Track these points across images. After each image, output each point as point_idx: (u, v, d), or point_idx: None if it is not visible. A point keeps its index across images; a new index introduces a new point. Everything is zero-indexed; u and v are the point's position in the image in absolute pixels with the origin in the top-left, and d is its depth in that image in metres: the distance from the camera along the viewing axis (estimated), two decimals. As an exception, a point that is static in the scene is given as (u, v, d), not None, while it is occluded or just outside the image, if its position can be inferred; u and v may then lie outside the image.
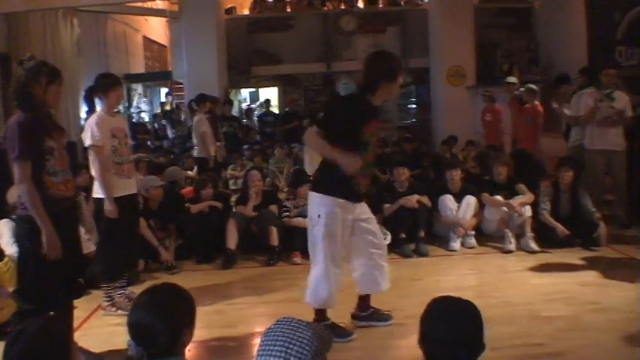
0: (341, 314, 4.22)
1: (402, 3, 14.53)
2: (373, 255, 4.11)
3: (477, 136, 11.10)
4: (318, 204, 3.88)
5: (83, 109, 9.40)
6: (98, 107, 4.71)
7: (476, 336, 1.97)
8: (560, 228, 6.14)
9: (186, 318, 2.14)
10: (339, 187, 3.84)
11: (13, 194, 4.62)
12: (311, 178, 4.15)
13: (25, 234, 3.48)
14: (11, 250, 4.74)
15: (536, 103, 8.66)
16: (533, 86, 8.86)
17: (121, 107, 12.51)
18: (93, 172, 4.57)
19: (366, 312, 4.29)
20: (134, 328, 2.09)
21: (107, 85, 4.65)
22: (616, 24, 8.91)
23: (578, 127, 7.24)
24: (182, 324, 2.11)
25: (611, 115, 6.71)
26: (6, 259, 4.83)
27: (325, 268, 3.87)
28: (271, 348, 1.94)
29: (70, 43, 10.31)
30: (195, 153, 9.15)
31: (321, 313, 4.05)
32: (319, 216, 3.84)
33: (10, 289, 4.43)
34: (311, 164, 8.24)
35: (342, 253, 4.02)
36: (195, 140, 9.00)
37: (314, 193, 3.94)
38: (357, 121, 3.83)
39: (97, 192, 4.59)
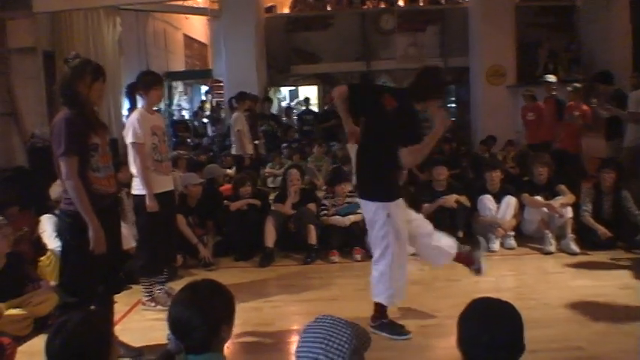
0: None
1: (443, 1, 14.40)
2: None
3: (517, 136, 10.95)
4: (379, 208, 3.98)
5: (124, 107, 9.58)
6: (139, 104, 4.79)
7: (516, 339, 1.95)
8: (602, 230, 6.02)
9: (224, 314, 2.16)
10: (396, 190, 4.06)
11: (56, 190, 4.74)
12: (363, 188, 4.18)
13: (67, 228, 3.56)
14: (54, 244, 4.86)
15: (582, 103, 8.48)
16: (578, 85, 8.68)
17: (162, 105, 12.73)
18: (133, 169, 4.64)
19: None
20: (174, 322, 2.11)
21: (149, 83, 4.72)
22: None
23: (636, 126, 7.06)
24: (220, 320, 2.13)
25: None
26: (48, 254, 4.96)
27: (392, 265, 3.97)
28: (310, 345, 1.95)
29: (111, 42, 10.49)
30: (233, 151, 9.23)
31: (382, 310, 4.12)
32: (388, 215, 3.93)
33: (52, 283, 4.54)
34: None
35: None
36: (232, 138, 9.08)
37: (374, 202, 4.02)
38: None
39: (137, 188, 4.66)
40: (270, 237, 6.22)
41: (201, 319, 2.06)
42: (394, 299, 4.07)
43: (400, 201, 4.05)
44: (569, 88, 8.78)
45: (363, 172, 4.18)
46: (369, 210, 4.06)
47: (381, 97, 4.01)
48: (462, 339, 1.99)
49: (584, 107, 8.39)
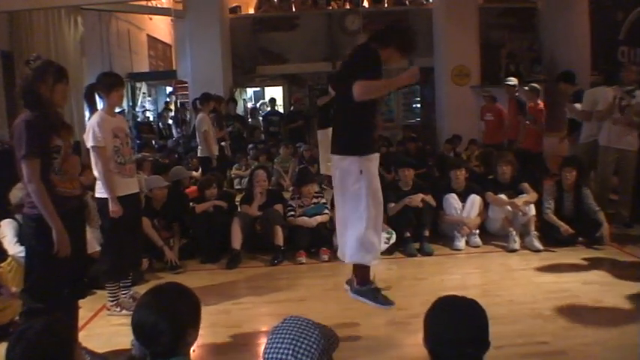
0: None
1: (407, 3, 14.51)
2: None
3: (481, 135, 11.09)
4: (352, 162, 3.82)
5: (87, 108, 9.44)
6: (99, 106, 4.70)
7: (481, 335, 1.97)
8: (564, 227, 6.13)
9: (190, 317, 2.14)
10: (370, 144, 3.90)
11: (16, 194, 4.64)
12: (335, 143, 3.99)
13: (32, 233, 3.49)
14: (14, 250, 4.75)
15: (539, 102, 8.66)
16: (536, 85, 8.86)
17: (125, 106, 12.59)
18: (96, 173, 4.56)
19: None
20: (138, 327, 2.08)
21: (109, 85, 4.61)
22: (619, 24, 8.90)
23: (592, 123, 7.20)
24: (186, 323, 2.10)
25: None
26: (9, 260, 4.84)
27: (369, 222, 3.83)
28: (279, 346, 1.94)
29: (73, 42, 10.32)
30: (198, 152, 9.16)
31: (365, 273, 4.01)
32: (361, 172, 3.79)
33: (14, 289, 4.45)
34: (324, 164, 8.27)
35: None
36: (198, 140, 9.00)
37: (347, 157, 3.85)
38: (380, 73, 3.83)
39: (100, 192, 4.59)
40: (236, 239, 6.19)
41: (167, 324, 2.03)
42: (375, 259, 3.96)
43: (374, 156, 3.91)
44: (525, 88, 8.94)
45: (336, 129, 4.04)
46: (342, 166, 3.89)
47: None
48: (428, 337, 2.01)
49: (540, 106, 8.56)
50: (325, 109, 8.46)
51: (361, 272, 4.01)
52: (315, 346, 1.93)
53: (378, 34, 3.96)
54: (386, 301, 3.99)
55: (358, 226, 3.84)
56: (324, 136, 8.25)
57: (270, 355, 1.95)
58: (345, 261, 4.02)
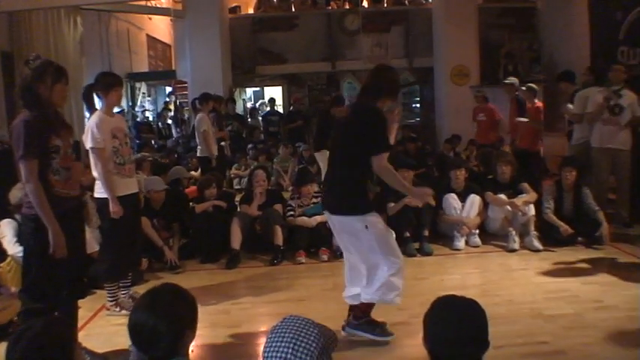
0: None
1: (407, 2, 14.51)
2: None
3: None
4: (354, 221, 3.80)
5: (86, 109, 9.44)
6: (98, 106, 4.69)
7: (480, 335, 1.97)
8: (563, 227, 6.13)
9: (187, 319, 2.13)
10: (369, 203, 3.95)
11: (16, 194, 4.64)
12: (334, 204, 3.95)
13: (30, 233, 3.49)
14: (14, 249, 4.75)
15: (536, 102, 8.66)
16: (533, 85, 8.86)
17: (124, 106, 12.58)
18: (95, 174, 4.54)
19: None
20: (135, 331, 2.07)
21: (108, 85, 4.59)
22: (619, 24, 8.89)
23: (583, 125, 7.21)
24: (184, 325, 2.09)
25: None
26: (8, 259, 4.84)
27: (392, 264, 3.82)
28: (278, 345, 1.94)
29: (73, 42, 10.31)
30: (198, 152, 9.14)
31: (369, 307, 4.01)
32: (366, 227, 3.76)
33: (13, 289, 4.45)
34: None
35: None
36: (197, 139, 8.99)
37: (351, 217, 3.82)
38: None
39: (99, 192, 4.58)
40: (236, 239, 6.19)
41: (166, 326, 2.02)
42: (398, 298, 3.88)
43: (375, 214, 3.88)
44: (523, 88, 8.94)
45: (333, 186, 4.01)
46: (346, 224, 3.87)
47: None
48: (427, 337, 2.01)
49: (538, 106, 8.56)
50: (321, 132, 8.60)
51: (364, 306, 3.99)
52: (314, 344, 1.93)
53: (369, 90, 4.00)
54: (384, 333, 4.00)
55: (380, 272, 3.83)
56: (324, 156, 8.30)
57: (269, 354, 1.95)
58: (363, 300, 3.95)
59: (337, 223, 3.95)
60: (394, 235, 4.24)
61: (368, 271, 3.89)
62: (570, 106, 7.36)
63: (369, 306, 4.00)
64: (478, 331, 1.97)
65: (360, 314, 4.01)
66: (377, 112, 3.82)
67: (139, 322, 2.06)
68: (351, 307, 4.09)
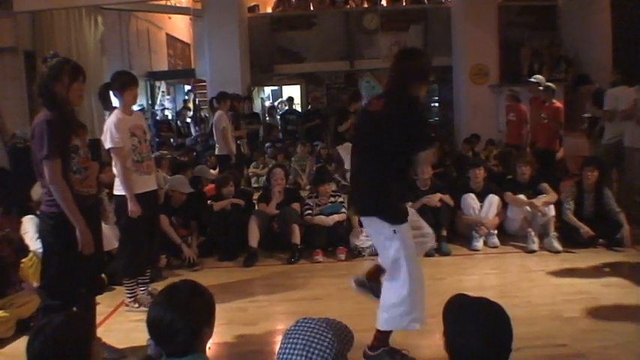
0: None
1: (425, 1, 14.45)
2: None
3: (500, 135, 11.00)
4: (385, 227, 3.49)
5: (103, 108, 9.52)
6: (115, 104, 4.72)
7: (508, 345, 1.93)
8: (584, 228, 6.07)
9: (205, 316, 2.13)
10: (405, 210, 3.61)
11: (38, 191, 4.68)
12: (364, 204, 3.67)
13: (49, 230, 3.51)
14: (36, 245, 4.80)
15: (554, 101, 8.57)
16: (551, 85, 8.76)
17: (144, 104, 12.66)
18: (115, 172, 4.59)
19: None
20: (153, 326, 2.08)
21: (123, 84, 4.62)
22: (640, 21, 8.80)
23: (615, 124, 7.13)
24: (201, 322, 2.10)
25: None
26: (30, 255, 4.90)
27: (412, 288, 3.48)
28: (292, 352, 1.92)
29: (93, 42, 10.42)
30: (216, 151, 9.16)
31: (386, 336, 3.68)
32: (395, 232, 3.44)
33: (35, 285, 4.50)
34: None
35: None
36: (215, 137, 9.01)
37: (369, 219, 3.60)
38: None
39: (119, 189, 4.62)
40: (254, 237, 6.21)
41: (183, 323, 2.03)
42: (418, 323, 3.52)
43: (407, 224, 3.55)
44: (540, 88, 8.84)
45: (365, 185, 3.63)
46: (375, 227, 3.58)
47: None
48: (450, 344, 1.95)
49: (556, 105, 8.48)
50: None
51: (382, 335, 3.66)
52: (328, 350, 1.91)
53: (394, 78, 3.60)
54: None
55: (398, 292, 3.50)
56: (345, 150, 8.30)
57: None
58: (379, 328, 3.64)
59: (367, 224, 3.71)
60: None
61: (384, 287, 3.64)
62: (598, 110, 7.28)
63: (384, 333, 3.67)
64: (508, 343, 1.92)
65: (377, 343, 3.66)
66: (412, 102, 3.50)
67: (157, 317, 2.07)
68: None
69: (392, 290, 3.54)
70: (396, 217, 3.48)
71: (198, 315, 2.10)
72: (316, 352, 1.90)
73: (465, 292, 2.14)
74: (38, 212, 4.68)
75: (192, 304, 2.11)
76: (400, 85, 3.54)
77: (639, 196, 7.06)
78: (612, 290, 4.86)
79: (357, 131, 3.95)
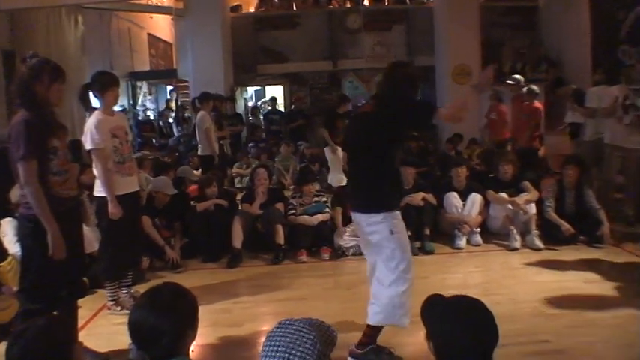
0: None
1: (408, 1, 14.50)
2: None
3: (481, 134, 11.05)
4: (382, 222, 3.59)
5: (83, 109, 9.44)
6: (95, 105, 4.67)
7: (494, 342, 1.93)
8: (565, 226, 6.13)
9: (188, 318, 2.11)
10: (396, 199, 3.80)
11: (16, 193, 4.62)
12: (364, 200, 3.73)
13: (28, 233, 3.46)
14: (15, 249, 4.74)
15: (535, 101, 8.62)
16: (534, 87, 8.80)
17: (126, 105, 12.58)
18: (95, 173, 4.55)
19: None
20: (135, 329, 2.05)
21: (104, 84, 4.57)
22: (620, 23, 8.89)
23: (596, 121, 7.21)
24: (184, 324, 2.07)
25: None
26: (9, 259, 4.83)
27: (405, 287, 3.60)
28: (274, 354, 1.91)
29: (74, 41, 10.33)
30: (199, 151, 9.10)
31: (376, 333, 3.73)
32: (392, 232, 3.57)
33: (14, 289, 4.44)
34: (335, 177, 8.46)
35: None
36: (198, 138, 8.97)
37: (375, 215, 3.61)
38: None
39: (99, 191, 4.58)
40: (237, 238, 6.19)
41: (167, 325, 2.00)
42: (408, 318, 3.60)
43: (399, 213, 3.69)
44: (523, 89, 8.90)
45: (361, 184, 3.76)
46: (369, 224, 3.65)
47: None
48: (440, 344, 1.94)
49: (535, 105, 8.54)
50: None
51: (372, 331, 3.72)
52: (310, 352, 1.90)
53: (385, 91, 3.83)
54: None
55: (395, 287, 3.59)
56: (331, 153, 8.36)
57: None
58: (370, 322, 3.69)
59: (363, 224, 3.73)
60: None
61: (376, 282, 3.70)
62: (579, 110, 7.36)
63: (375, 329, 3.72)
64: (493, 343, 1.93)
65: (366, 340, 3.72)
66: (401, 74, 3.69)
67: (139, 320, 2.04)
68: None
69: (386, 285, 3.62)
70: (389, 205, 3.63)
71: (182, 317, 2.07)
72: (298, 353, 1.89)
73: (449, 290, 2.14)
74: (17, 215, 4.64)
75: (176, 306, 2.09)
76: (391, 90, 3.70)
77: (619, 193, 7.15)
78: (593, 286, 4.91)
79: (351, 132, 4.05)
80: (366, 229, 3.70)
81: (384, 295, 3.61)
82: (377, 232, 3.63)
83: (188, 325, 2.09)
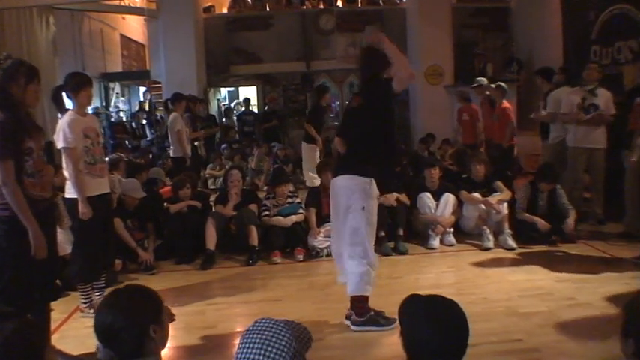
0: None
1: (381, 2, 14.54)
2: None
3: (454, 134, 11.14)
4: (355, 188, 4.07)
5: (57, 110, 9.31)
6: (69, 106, 4.64)
7: (465, 341, 1.95)
8: (540, 222, 6.20)
9: (149, 312, 2.10)
10: (382, 175, 4.36)
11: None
12: (342, 164, 4.32)
13: (2, 234, 3.41)
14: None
15: (504, 101, 8.70)
16: (502, 84, 8.89)
17: (98, 106, 12.45)
18: (66, 174, 4.50)
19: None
20: (98, 329, 2.07)
21: (77, 85, 4.55)
22: (591, 24, 9.01)
23: (557, 125, 7.29)
24: (145, 319, 2.06)
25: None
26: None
27: (370, 255, 4.12)
28: (249, 351, 1.92)
29: (45, 42, 10.19)
30: (171, 153, 8.99)
31: (364, 302, 4.15)
32: (363, 208, 4.05)
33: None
34: (308, 176, 8.52)
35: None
36: (170, 140, 8.87)
37: (348, 176, 4.12)
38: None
39: (70, 192, 4.53)
40: (211, 239, 6.16)
41: (123, 320, 2.01)
42: (370, 285, 4.16)
43: (376, 192, 4.22)
44: (492, 86, 8.99)
45: (353, 150, 4.25)
46: (345, 193, 4.12)
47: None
48: (411, 343, 1.96)
49: (505, 105, 8.62)
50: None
51: (359, 303, 4.13)
52: (285, 349, 1.91)
53: (364, 74, 4.45)
54: (388, 322, 4.10)
55: (358, 260, 4.08)
56: (310, 152, 8.36)
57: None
58: (351, 293, 4.16)
59: (340, 184, 4.17)
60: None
61: (347, 258, 4.14)
62: (543, 112, 7.43)
63: (361, 300, 4.13)
64: (465, 341, 1.95)
65: (362, 310, 4.13)
66: (384, 84, 4.15)
67: (99, 320, 2.07)
68: (351, 302, 4.21)
69: (346, 258, 4.14)
70: (373, 173, 4.12)
71: (140, 312, 2.08)
72: (274, 350, 1.90)
73: (422, 290, 2.16)
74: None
75: (133, 301, 2.10)
76: (371, 76, 4.26)
77: (587, 192, 7.24)
78: (565, 285, 4.97)
79: (345, 125, 4.60)
80: (340, 192, 4.15)
81: (357, 270, 4.09)
82: (350, 199, 4.07)
83: (150, 320, 2.07)
